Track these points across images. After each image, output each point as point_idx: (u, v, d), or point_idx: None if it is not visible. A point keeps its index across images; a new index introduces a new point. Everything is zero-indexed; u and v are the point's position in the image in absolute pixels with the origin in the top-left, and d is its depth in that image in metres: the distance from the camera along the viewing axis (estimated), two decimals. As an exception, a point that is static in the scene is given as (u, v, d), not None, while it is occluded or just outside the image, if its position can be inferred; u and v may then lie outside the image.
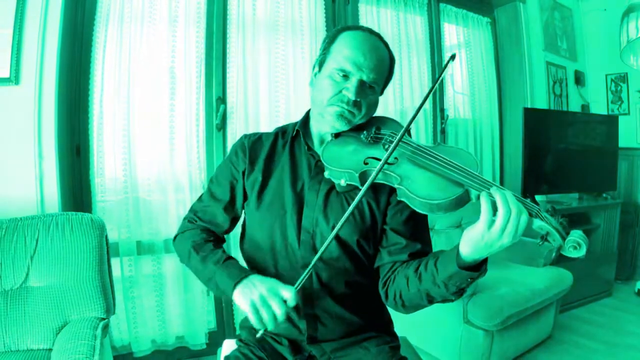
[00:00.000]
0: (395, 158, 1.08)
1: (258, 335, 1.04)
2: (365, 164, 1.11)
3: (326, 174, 1.17)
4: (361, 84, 1.16)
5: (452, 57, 1.16)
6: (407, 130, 1.09)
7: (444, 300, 1.09)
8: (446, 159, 1.03)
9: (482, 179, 0.98)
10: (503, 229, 0.89)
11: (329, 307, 1.23)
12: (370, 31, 1.22)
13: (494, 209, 0.91)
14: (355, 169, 1.09)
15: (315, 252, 1.19)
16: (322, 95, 1.20)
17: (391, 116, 1.36)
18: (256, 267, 1.27)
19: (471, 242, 0.95)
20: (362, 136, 1.20)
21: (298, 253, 1.21)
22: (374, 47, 1.18)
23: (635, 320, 3.36)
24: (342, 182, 1.12)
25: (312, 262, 1.05)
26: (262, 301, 1.02)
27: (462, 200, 0.98)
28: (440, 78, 1.14)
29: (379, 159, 1.08)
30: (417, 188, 1.01)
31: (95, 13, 2.38)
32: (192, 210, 1.39)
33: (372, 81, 1.17)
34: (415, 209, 1.02)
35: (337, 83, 1.17)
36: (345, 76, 1.16)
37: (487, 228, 0.90)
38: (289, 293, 1.03)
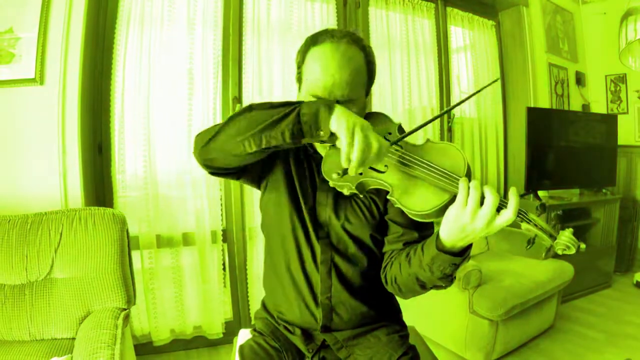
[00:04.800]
0: (385, 166, 1.03)
1: (333, 176, 1.00)
2: (360, 173, 1.05)
3: (330, 184, 1.10)
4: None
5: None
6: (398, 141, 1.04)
7: (436, 287, 1.04)
8: (432, 165, 0.96)
9: None
10: (475, 210, 0.86)
11: (346, 300, 1.21)
12: (339, 38, 1.09)
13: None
14: (352, 181, 1.04)
15: (333, 247, 1.20)
16: None
17: (399, 115, 1.30)
18: (277, 255, 1.25)
19: (446, 223, 0.92)
20: None
21: (317, 248, 1.19)
22: (344, 59, 1.06)
23: (634, 310, 3.33)
24: (345, 191, 1.07)
25: None
26: (361, 129, 0.89)
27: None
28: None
29: (371, 168, 1.04)
30: (406, 200, 0.97)
31: (117, 16, 2.37)
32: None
33: (347, 97, 1.07)
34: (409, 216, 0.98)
35: None
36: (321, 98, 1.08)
37: (461, 207, 0.87)
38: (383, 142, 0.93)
